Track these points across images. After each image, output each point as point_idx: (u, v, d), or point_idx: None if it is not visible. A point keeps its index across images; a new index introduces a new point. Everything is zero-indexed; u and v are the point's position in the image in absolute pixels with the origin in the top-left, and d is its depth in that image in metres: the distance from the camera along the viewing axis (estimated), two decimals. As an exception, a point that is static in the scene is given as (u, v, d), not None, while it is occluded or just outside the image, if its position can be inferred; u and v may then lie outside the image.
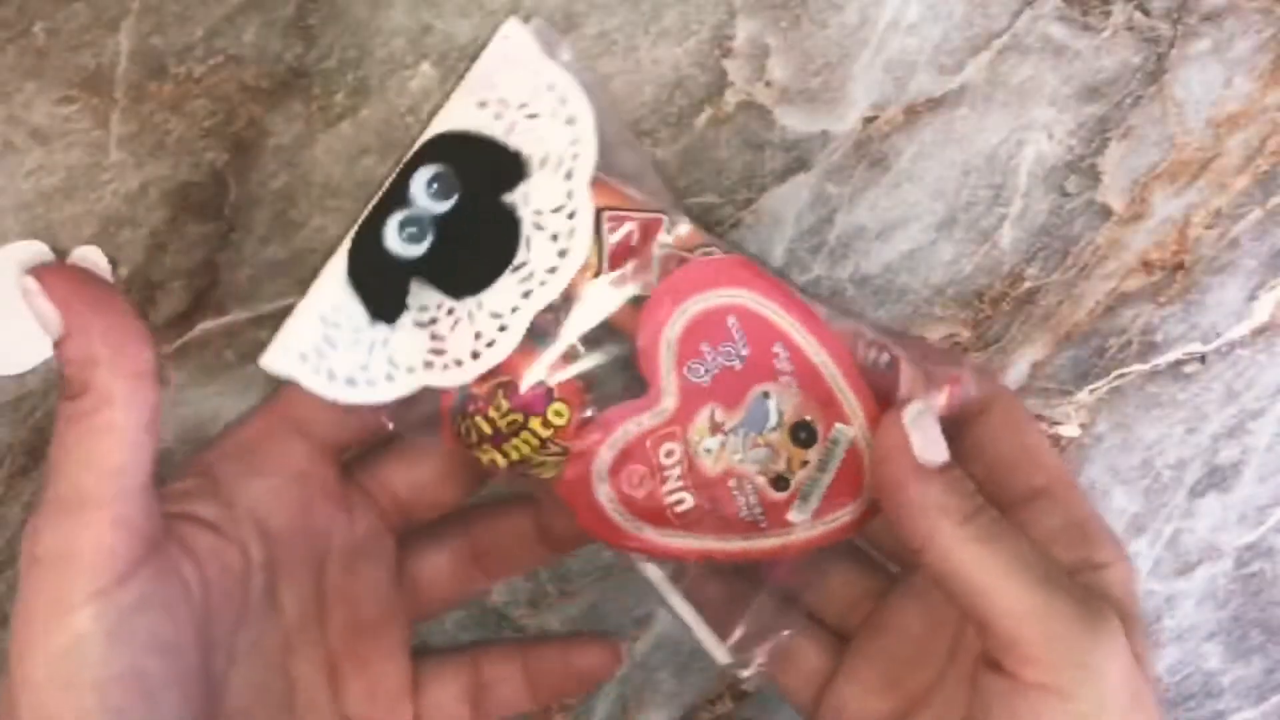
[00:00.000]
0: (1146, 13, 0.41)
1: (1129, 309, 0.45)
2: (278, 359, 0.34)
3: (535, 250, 0.33)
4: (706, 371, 0.34)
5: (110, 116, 0.39)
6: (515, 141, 0.34)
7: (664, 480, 0.35)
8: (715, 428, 0.34)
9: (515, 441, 0.34)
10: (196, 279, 0.41)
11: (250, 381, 0.41)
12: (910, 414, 0.32)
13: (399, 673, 0.37)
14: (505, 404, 0.34)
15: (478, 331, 0.33)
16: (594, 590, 0.46)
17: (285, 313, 0.40)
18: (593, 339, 0.35)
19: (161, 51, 0.39)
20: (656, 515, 0.35)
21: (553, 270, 0.33)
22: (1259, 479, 0.46)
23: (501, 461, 0.34)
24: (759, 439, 0.34)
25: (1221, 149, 0.43)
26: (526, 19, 0.34)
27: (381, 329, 0.34)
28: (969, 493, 0.31)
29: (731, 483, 0.35)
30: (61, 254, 0.39)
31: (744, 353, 0.34)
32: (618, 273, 0.34)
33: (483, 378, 0.34)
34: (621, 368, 0.35)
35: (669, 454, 0.34)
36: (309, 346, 0.34)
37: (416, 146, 0.34)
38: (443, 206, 0.34)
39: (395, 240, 0.34)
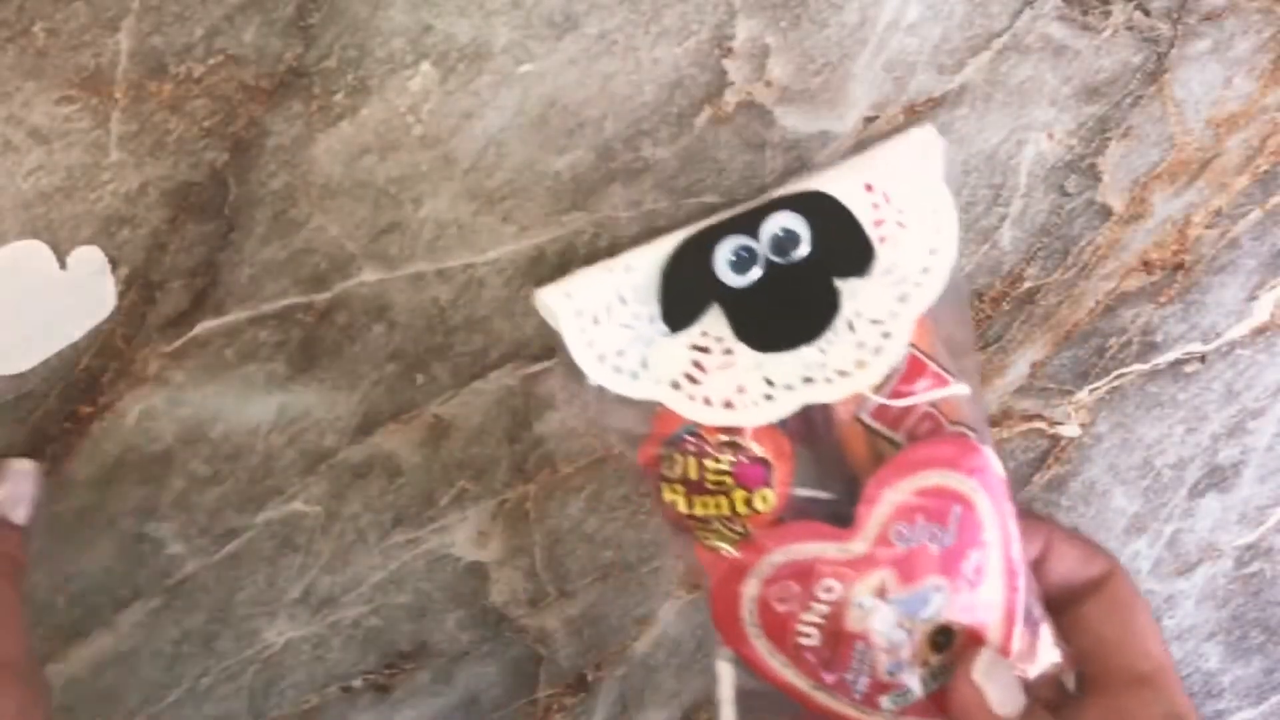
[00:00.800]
0: (1146, 13, 0.41)
1: (1129, 309, 0.45)
2: (556, 300, 0.34)
3: (836, 346, 0.33)
4: (906, 541, 0.34)
5: (110, 116, 0.39)
6: (876, 236, 0.34)
7: (807, 609, 0.35)
8: (880, 591, 0.34)
9: (710, 499, 0.34)
10: (196, 279, 0.41)
11: (250, 381, 0.41)
12: (982, 667, 0.32)
13: None
14: (726, 462, 0.34)
15: (742, 385, 0.34)
16: (594, 590, 0.46)
17: (286, 312, 0.41)
18: (824, 451, 0.35)
19: (161, 51, 0.39)
20: (778, 634, 0.35)
21: (843, 374, 0.33)
22: (1259, 479, 0.46)
23: (683, 507, 0.34)
24: (906, 621, 0.35)
25: (1221, 149, 0.43)
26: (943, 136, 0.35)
27: (654, 329, 0.34)
28: None
29: (859, 645, 0.35)
30: (61, 254, 0.39)
31: (946, 544, 0.34)
32: (888, 404, 0.34)
33: (720, 428, 0.34)
34: (836, 493, 0.35)
35: (827, 590, 0.34)
36: (588, 305, 0.34)
37: (791, 189, 0.34)
38: (780, 256, 0.34)
39: (723, 260, 0.34)
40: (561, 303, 0.34)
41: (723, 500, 0.34)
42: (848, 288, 0.34)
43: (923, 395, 0.34)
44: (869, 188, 0.34)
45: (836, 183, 0.34)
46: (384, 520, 0.44)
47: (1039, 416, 0.46)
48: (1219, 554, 0.45)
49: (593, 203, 0.41)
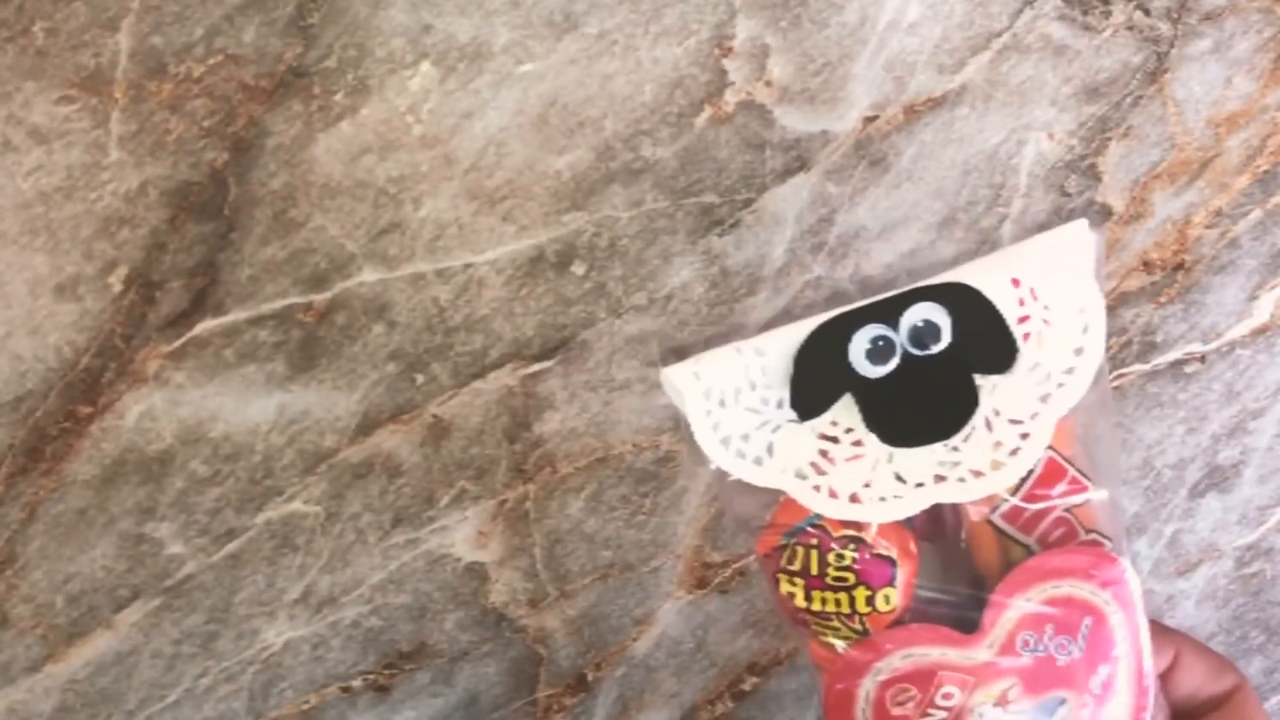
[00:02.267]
0: (1147, 12, 0.41)
1: (1129, 308, 0.45)
2: (684, 379, 0.33)
3: (973, 445, 0.32)
4: (1033, 650, 0.33)
5: (110, 116, 0.39)
6: (1020, 333, 0.32)
7: (925, 714, 0.33)
8: (1002, 700, 0.33)
9: (830, 595, 0.33)
10: (197, 279, 0.41)
11: (250, 381, 0.41)
12: None
13: None
14: (850, 557, 0.33)
15: (870, 481, 0.32)
16: (594, 590, 0.46)
17: (285, 312, 0.40)
18: (952, 551, 0.34)
19: (161, 51, 0.39)
20: None
21: (977, 474, 0.32)
22: (1259, 479, 0.46)
23: (801, 601, 0.33)
24: None
25: (1221, 149, 0.43)
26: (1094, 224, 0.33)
27: (782, 414, 0.33)
28: None
29: None
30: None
31: (1075, 656, 0.33)
32: (1020, 506, 0.33)
33: (844, 521, 0.32)
34: (962, 596, 0.34)
35: (947, 696, 0.33)
36: (716, 387, 0.33)
37: (934, 279, 0.33)
38: (918, 349, 0.33)
39: (859, 349, 0.32)
40: (690, 383, 0.33)
41: (843, 597, 0.33)
42: (987, 385, 0.33)
43: (1059, 500, 0.33)
44: (1015, 282, 0.33)
45: (981, 275, 0.33)
46: (384, 520, 0.44)
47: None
48: (1219, 554, 0.45)
49: (593, 203, 0.41)
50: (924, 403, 0.32)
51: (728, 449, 0.32)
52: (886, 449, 0.32)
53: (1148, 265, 0.45)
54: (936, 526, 0.34)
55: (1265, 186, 0.43)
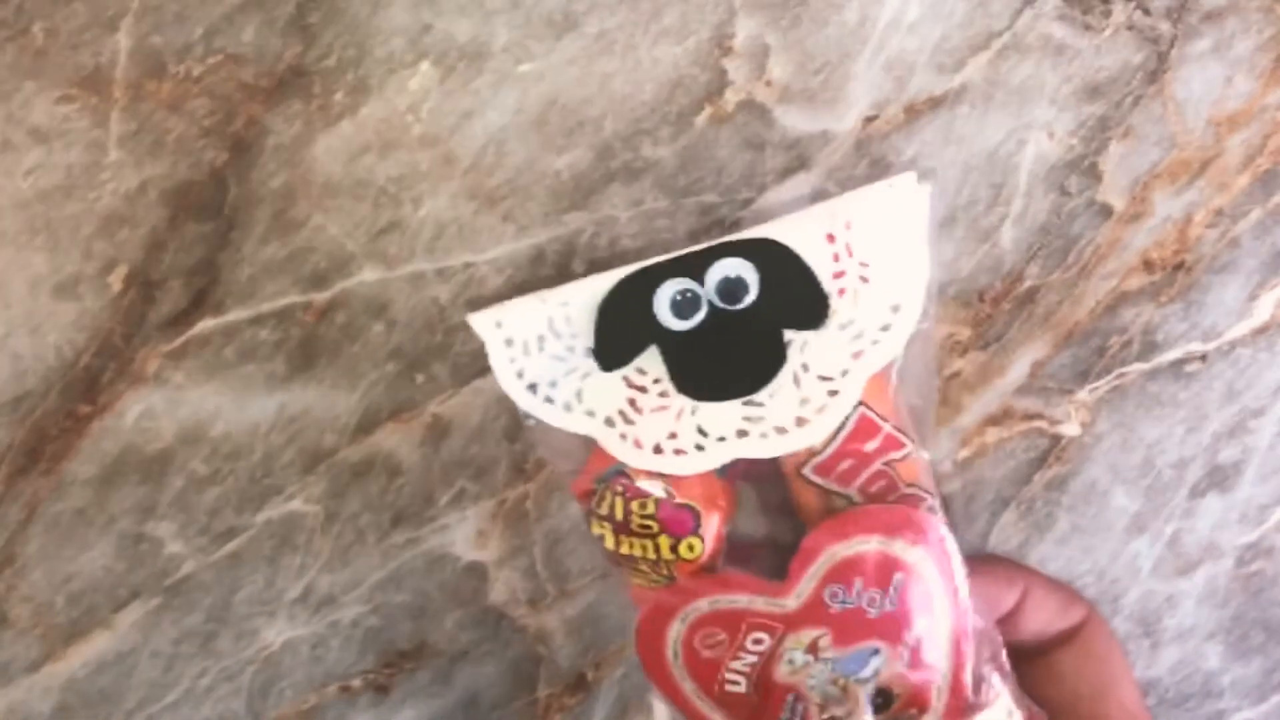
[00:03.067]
0: (1147, 12, 0.41)
1: (1130, 308, 0.45)
2: (486, 325, 0.33)
3: (779, 401, 0.32)
4: (842, 602, 0.33)
5: (109, 116, 0.39)
6: (833, 289, 0.32)
7: (735, 657, 0.34)
8: (813, 648, 0.33)
9: (635, 541, 0.33)
10: (196, 278, 0.41)
11: (250, 381, 0.41)
12: None
13: None
14: (652, 506, 0.33)
15: (674, 431, 0.32)
16: (594, 589, 0.46)
17: (285, 312, 0.41)
18: (768, 501, 0.34)
19: (161, 50, 0.39)
20: (704, 678, 0.34)
21: (781, 431, 0.32)
22: (1260, 478, 0.45)
23: (611, 545, 0.33)
24: (840, 680, 0.34)
25: (1222, 148, 0.42)
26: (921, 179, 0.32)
27: (589, 364, 0.33)
28: None
29: (790, 696, 0.34)
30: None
31: (886, 609, 0.33)
32: (832, 459, 0.33)
33: (649, 471, 0.32)
34: (774, 543, 0.34)
35: (756, 641, 0.34)
36: (520, 334, 0.33)
37: (747, 233, 0.33)
38: (726, 303, 0.32)
39: (664, 302, 0.32)
40: (491, 331, 0.33)
41: (649, 544, 0.33)
42: (798, 340, 0.32)
43: (873, 456, 0.33)
44: (831, 238, 0.32)
45: (794, 230, 0.33)
46: (383, 520, 0.44)
47: (1039, 416, 0.46)
48: (1220, 554, 0.45)
49: (593, 202, 0.41)
50: (729, 357, 0.32)
51: (535, 395, 0.32)
52: (692, 402, 0.32)
53: (1148, 265, 0.45)
54: (762, 472, 0.34)
55: (1266, 186, 0.43)
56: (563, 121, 0.41)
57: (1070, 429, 0.47)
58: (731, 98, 0.41)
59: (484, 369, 0.41)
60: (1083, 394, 0.46)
